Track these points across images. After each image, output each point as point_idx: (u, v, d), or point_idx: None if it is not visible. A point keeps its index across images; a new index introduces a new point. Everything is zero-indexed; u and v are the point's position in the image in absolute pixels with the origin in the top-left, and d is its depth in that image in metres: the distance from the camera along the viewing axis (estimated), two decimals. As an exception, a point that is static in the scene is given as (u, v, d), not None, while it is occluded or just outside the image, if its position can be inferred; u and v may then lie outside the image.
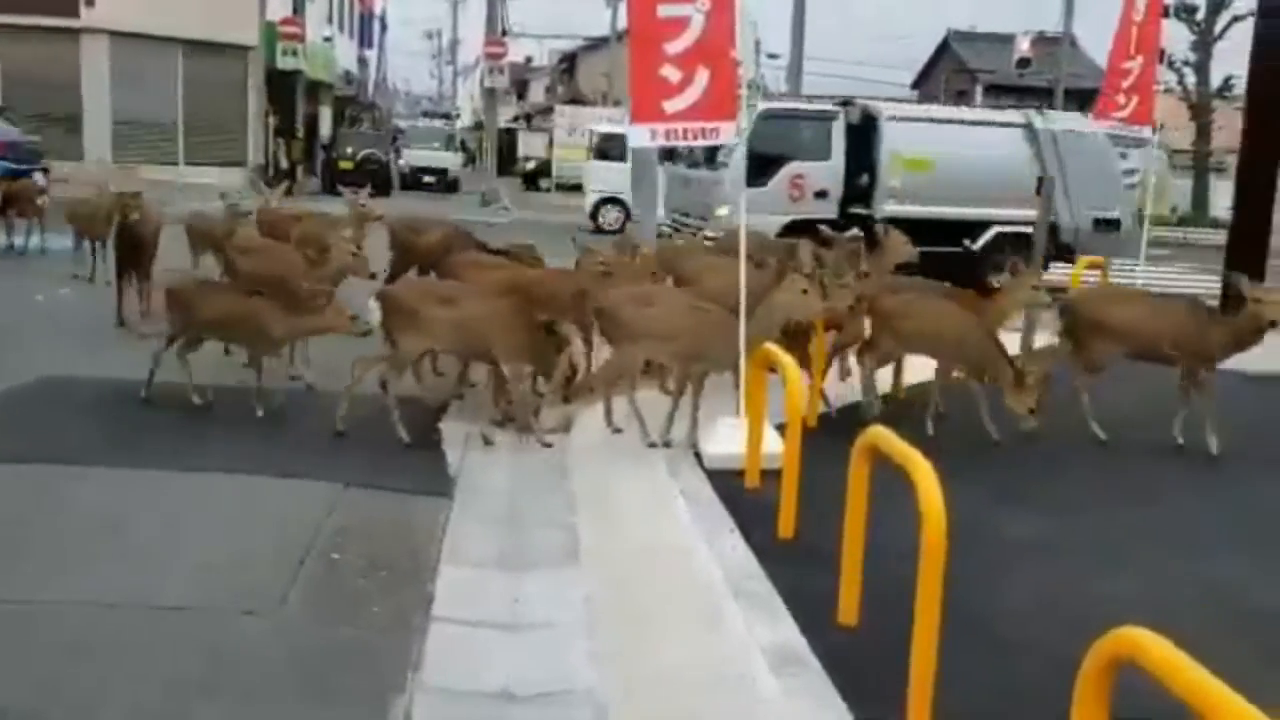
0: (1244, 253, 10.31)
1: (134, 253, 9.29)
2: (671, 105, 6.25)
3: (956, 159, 14.34)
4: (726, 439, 6.43)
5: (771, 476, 5.56)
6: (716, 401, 6.87)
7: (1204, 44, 32.15)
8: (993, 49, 51.22)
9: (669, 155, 16.22)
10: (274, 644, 4.08)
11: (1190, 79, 32.72)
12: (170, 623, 4.18)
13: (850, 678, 3.92)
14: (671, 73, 6.22)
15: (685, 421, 6.61)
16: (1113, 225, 15.21)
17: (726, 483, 6.05)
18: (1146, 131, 12.15)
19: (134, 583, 4.47)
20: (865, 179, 14.60)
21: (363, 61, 49.00)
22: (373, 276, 7.84)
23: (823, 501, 4.47)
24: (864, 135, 14.88)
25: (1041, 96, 40.33)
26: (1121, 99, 13.32)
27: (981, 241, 14.72)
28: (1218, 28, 31.74)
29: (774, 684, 3.87)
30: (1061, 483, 6.53)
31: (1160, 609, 4.77)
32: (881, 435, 4.15)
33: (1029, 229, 13.14)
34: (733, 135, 6.52)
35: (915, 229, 10.88)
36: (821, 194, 14.23)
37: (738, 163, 12.97)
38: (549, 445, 6.59)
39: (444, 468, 6.22)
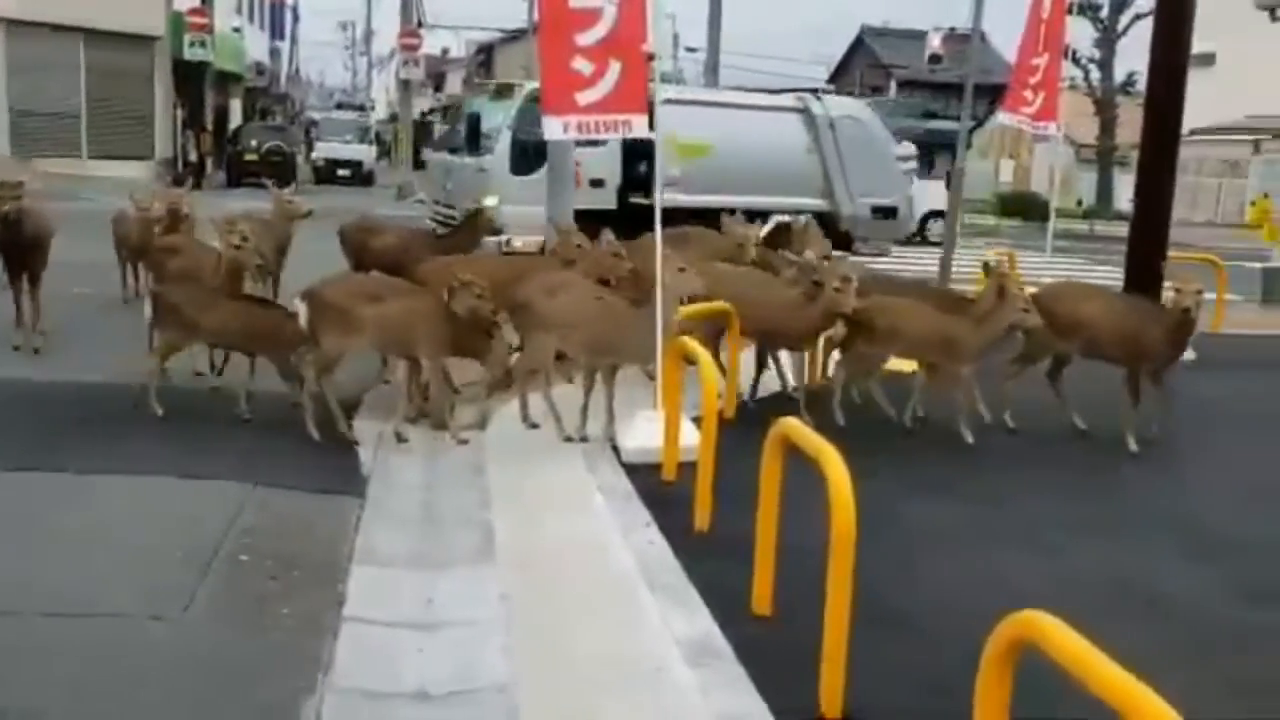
0: (1144, 244, 10.57)
1: (16, 252, 8.01)
2: (584, 97, 6.22)
3: (736, 145, 13.57)
4: (644, 433, 6.44)
5: (689, 469, 5.57)
6: (636, 395, 6.89)
7: (1108, 41, 33.03)
8: (906, 45, 52.12)
9: (428, 140, 15.34)
10: (180, 649, 3.97)
11: (1095, 75, 33.57)
12: (72, 629, 4.05)
13: (764, 668, 3.95)
14: (583, 65, 6.20)
15: (603, 416, 6.60)
16: (890, 213, 14.76)
17: (644, 477, 6.06)
18: (1053, 127, 12.40)
19: (35, 588, 4.32)
20: (644, 167, 13.27)
21: (274, 53, 48.02)
22: (259, 269, 7.66)
23: (739, 493, 4.50)
24: None
25: (954, 92, 41.08)
26: (1029, 95, 13.64)
27: (764, 232, 13.79)
28: (1121, 25, 32.61)
29: (689, 675, 3.88)
30: (979, 473, 6.64)
31: (1069, 595, 4.91)
32: (793, 427, 4.19)
33: (807, 217, 12.99)
34: (645, 129, 6.52)
35: (696, 220, 10.58)
36: (598, 183, 13.02)
37: (504, 149, 12.70)
38: (464, 442, 6.53)
39: (357, 466, 6.13)
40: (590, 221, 12.19)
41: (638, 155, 13.06)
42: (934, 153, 25.69)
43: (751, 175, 13.19)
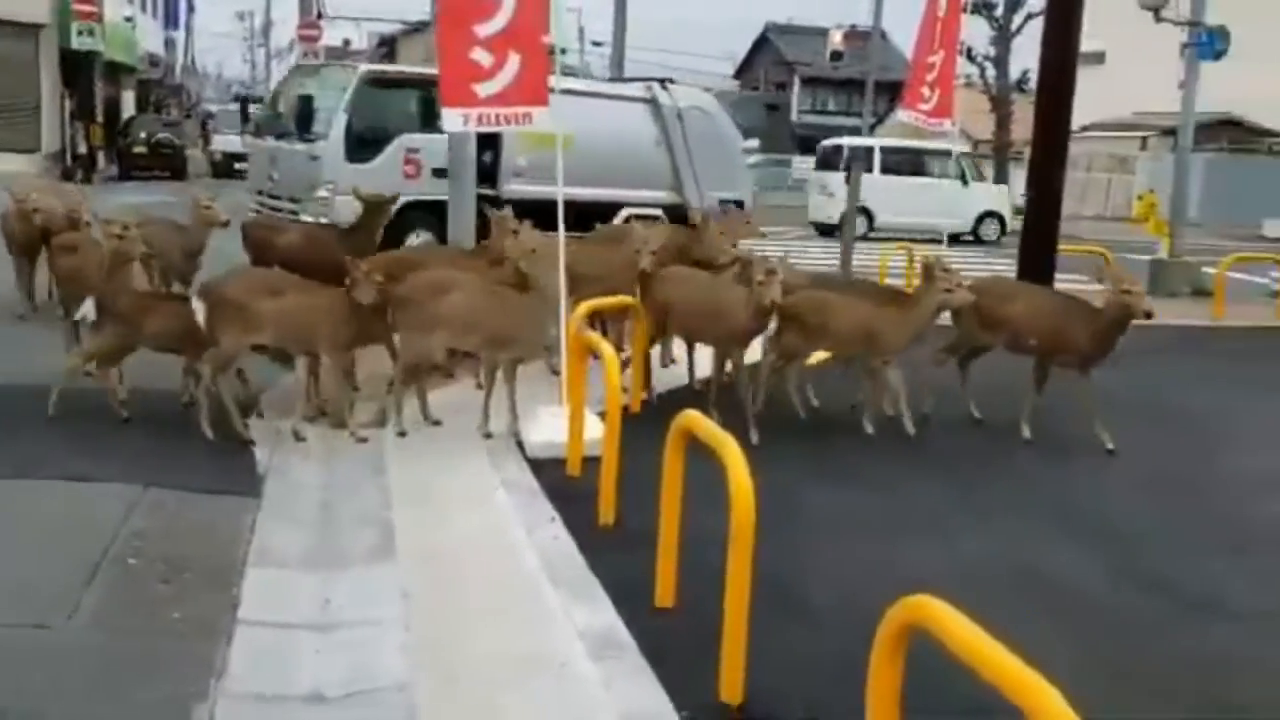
0: (1036, 237, 10.91)
1: None
2: (483, 89, 6.16)
3: (585, 135, 12.17)
4: (548, 428, 6.41)
5: (594, 464, 5.57)
6: (539, 391, 6.86)
7: (1003, 39, 33.82)
8: (809, 41, 52.85)
9: (246, 124, 13.87)
10: (67, 657, 3.84)
11: (991, 73, 34.38)
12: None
13: (667, 658, 3.97)
14: (483, 56, 6.14)
15: (508, 412, 6.56)
16: (737, 207, 13.59)
17: (549, 472, 6.03)
18: (948, 124, 12.64)
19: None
20: (489, 156, 12.48)
21: (169, 43, 46.65)
22: (162, 270, 7.42)
23: (644, 486, 4.50)
24: None
25: (856, 88, 41.78)
26: (926, 92, 13.87)
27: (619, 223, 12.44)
28: (1015, 24, 33.44)
29: (592, 669, 3.88)
30: (879, 460, 6.76)
31: (965, 581, 5.02)
32: (694, 420, 4.21)
33: (658, 211, 12.84)
34: (545, 121, 6.48)
35: (544, 213, 10.45)
36: (442, 172, 11.44)
37: (339, 135, 11.79)
38: (364, 440, 6.42)
39: (253, 466, 5.98)
40: (431, 215, 11.50)
41: (483, 143, 11.92)
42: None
43: (601, 166, 12.09)
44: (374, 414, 6.82)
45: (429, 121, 11.60)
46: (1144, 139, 36.59)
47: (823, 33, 43.18)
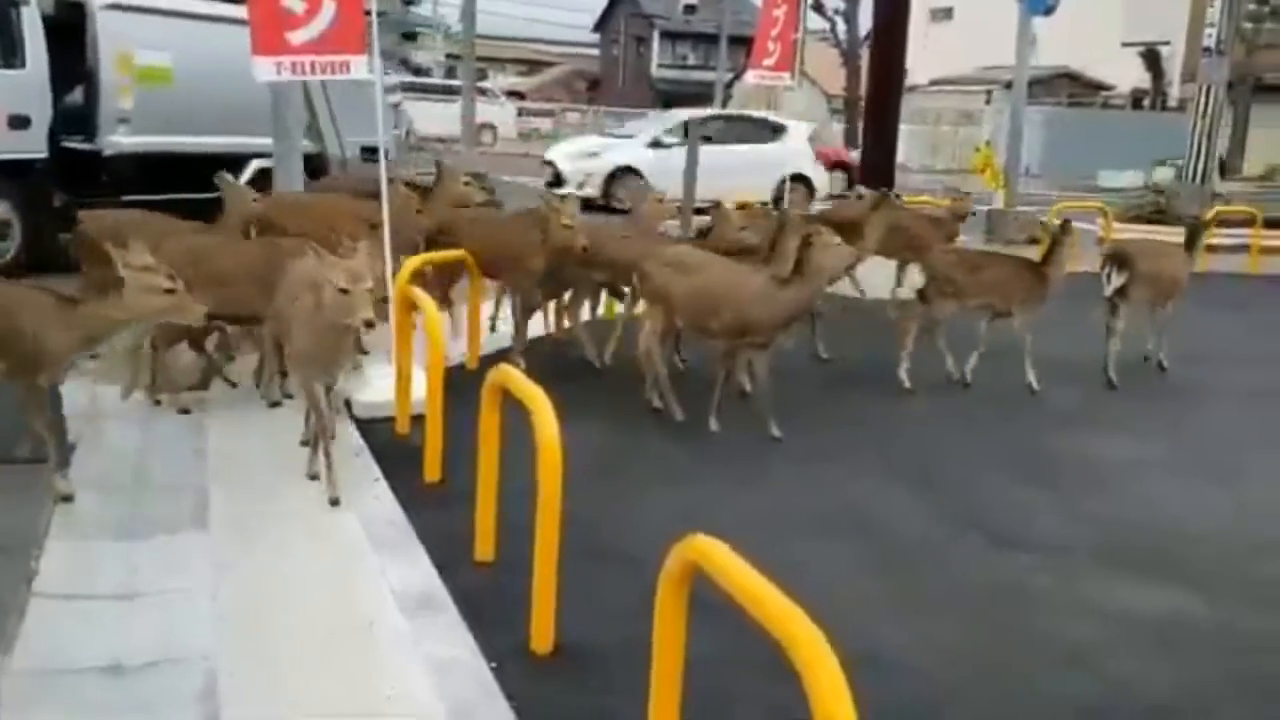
0: (874, 182, 11.16)
1: None
2: (296, 37, 5.95)
3: (201, 70, 10.28)
4: (376, 388, 6.33)
5: (423, 422, 5.51)
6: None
7: (853, -7, 34.40)
8: (668, -6, 52.76)
9: None
10: None
11: (842, 28, 34.96)
12: None
13: (482, 612, 3.99)
14: (295, 2, 5.93)
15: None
16: (376, 154, 10.79)
17: (377, 432, 5.96)
18: (787, 78, 12.77)
19: None
20: (82, 97, 10.24)
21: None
22: None
23: (471, 443, 4.47)
24: (73, 32, 9.97)
25: (713, 42, 41.88)
26: (771, 45, 14.02)
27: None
28: (865, -21, 34.01)
29: (404, 626, 3.87)
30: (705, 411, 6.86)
31: (782, 523, 5.19)
32: (507, 375, 4.20)
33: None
34: (364, 70, 6.31)
35: (154, 169, 8.99)
36: (20, 121, 9.43)
37: None
38: (186, 411, 6.18)
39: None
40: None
41: (68, 80, 9.84)
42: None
43: (222, 110, 10.05)
44: (194, 379, 6.57)
45: None
46: (989, 92, 37.81)
47: (680, -16, 43.13)
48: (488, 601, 4.08)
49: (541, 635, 3.74)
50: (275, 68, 6.06)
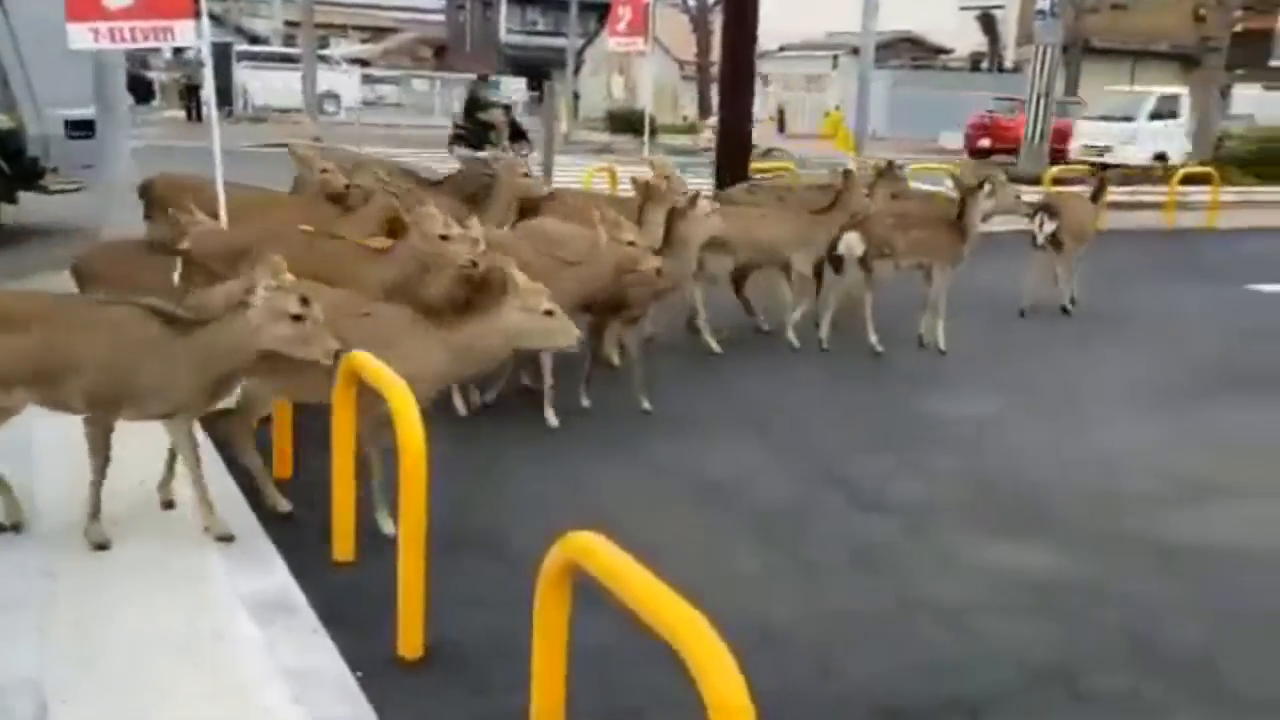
0: (730, 156, 11.13)
1: None
2: (114, 1, 5.47)
3: None
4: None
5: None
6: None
7: (702, -40, 34.42)
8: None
9: None
10: None
11: (691, -6, 34.95)
12: None
13: (343, 615, 3.75)
14: (110, -37, 5.45)
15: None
16: (89, 128, 8.88)
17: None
18: (640, 42, 12.63)
19: None
20: None
21: None
22: None
23: (326, 432, 4.18)
24: None
25: (562, 7, 41.40)
26: (622, 11, 13.86)
27: None
28: (712, -56, 34.03)
29: (256, 635, 3.59)
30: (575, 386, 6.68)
31: (656, 499, 5.07)
32: (361, 360, 3.93)
33: None
34: (191, 36, 5.85)
35: None
36: None
37: None
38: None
39: None
40: None
41: None
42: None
43: None
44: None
45: None
46: (835, 58, 38.44)
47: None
48: (349, 605, 3.83)
49: (410, 639, 3.52)
50: (92, 35, 5.56)
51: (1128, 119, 23.82)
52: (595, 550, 2.48)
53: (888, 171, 9.07)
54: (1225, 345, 8.81)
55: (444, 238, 5.23)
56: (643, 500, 5.01)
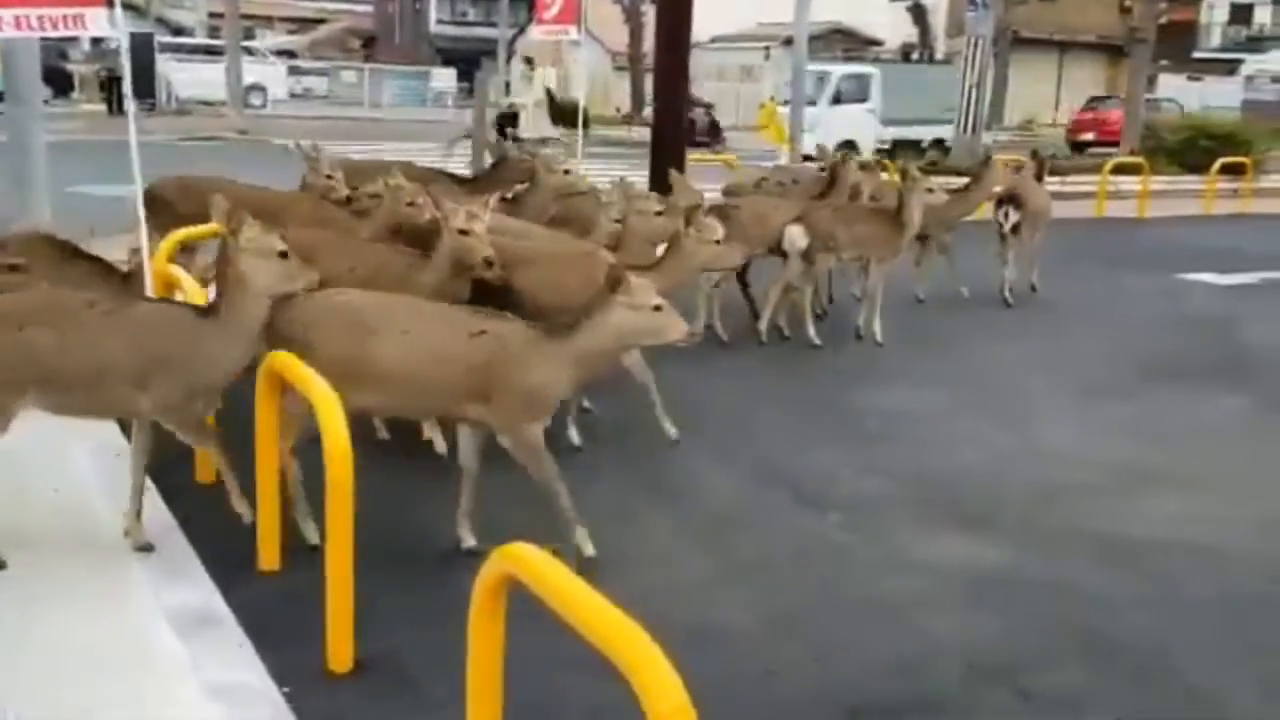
0: (664, 148, 11.01)
1: None
2: (18, -15, 5.18)
3: None
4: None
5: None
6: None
7: (634, -53, 34.25)
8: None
9: None
10: None
11: (624, -16, 34.76)
12: None
13: (269, 627, 3.60)
14: (14, -52, 5.16)
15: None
16: None
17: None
18: (573, 31, 12.43)
19: None
20: None
21: None
22: None
23: (249, 435, 4.01)
24: None
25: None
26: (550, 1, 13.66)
27: None
28: (645, -67, 33.87)
29: (179, 650, 3.44)
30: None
31: (594, 501, 4.96)
32: (285, 361, 3.78)
33: None
34: (105, 26, 5.58)
35: None
36: None
37: None
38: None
39: None
40: None
41: None
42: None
43: None
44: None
45: None
46: (767, 49, 38.50)
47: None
48: (276, 617, 3.68)
49: (339, 652, 3.38)
50: (-6, 22, 5.26)
51: (810, 103, 20.24)
52: (530, 561, 2.38)
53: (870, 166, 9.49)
54: (1160, 335, 8.92)
55: (464, 233, 5.10)
56: (584, 507, 4.90)
